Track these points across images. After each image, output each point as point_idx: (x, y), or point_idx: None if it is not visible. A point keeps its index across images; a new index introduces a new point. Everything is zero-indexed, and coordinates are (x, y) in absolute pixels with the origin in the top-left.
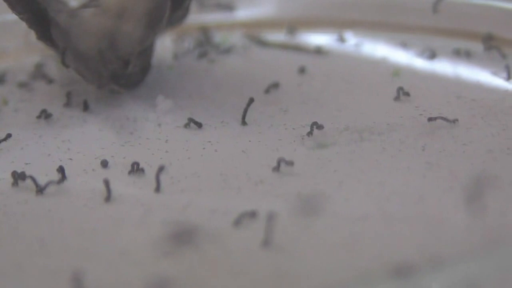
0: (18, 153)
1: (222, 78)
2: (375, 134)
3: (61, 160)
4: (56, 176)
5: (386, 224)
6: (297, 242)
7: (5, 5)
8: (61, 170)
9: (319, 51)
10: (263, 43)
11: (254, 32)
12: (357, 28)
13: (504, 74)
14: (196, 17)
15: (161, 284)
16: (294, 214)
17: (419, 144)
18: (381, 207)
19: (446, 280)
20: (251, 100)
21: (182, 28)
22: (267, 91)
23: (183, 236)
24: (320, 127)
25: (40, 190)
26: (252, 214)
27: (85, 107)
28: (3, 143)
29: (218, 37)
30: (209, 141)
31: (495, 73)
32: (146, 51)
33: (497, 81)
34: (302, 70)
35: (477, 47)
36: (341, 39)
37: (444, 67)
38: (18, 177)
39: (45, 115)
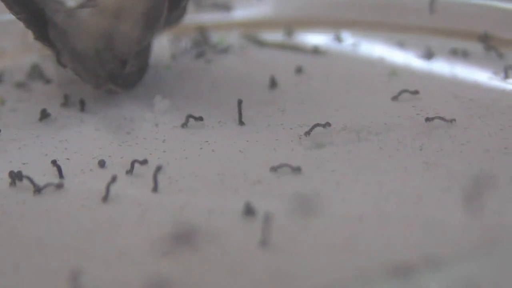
0: (15, 153)
1: (219, 78)
2: (372, 134)
3: (58, 160)
4: (54, 176)
5: (383, 224)
6: (294, 242)
7: (2, 5)
8: (58, 170)
9: (316, 51)
10: (260, 43)
11: (251, 32)
12: (354, 28)
13: (501, 74)
14: (193, 17)
15: (159, 284)
16: (291, 214)
17: (417, 144)
18: (378, 207)
19: (444, 280)
20: (240, 102)
21: (179, 28)
22: (270, 86)
23: (181, 236)
24: (327, 125)
25: (38, 190)
26: None
27: (83, 107)
28: (2, 143)
29: (215, 37)
30: (207, 141)
31: (492, 73)
32: (144, 51)
33: (495, 81)
34: (299, 70)
35: (474, 47)
36: (338, 39)
37: (441, 67)
38: (15, 176)
39: (44, 115)
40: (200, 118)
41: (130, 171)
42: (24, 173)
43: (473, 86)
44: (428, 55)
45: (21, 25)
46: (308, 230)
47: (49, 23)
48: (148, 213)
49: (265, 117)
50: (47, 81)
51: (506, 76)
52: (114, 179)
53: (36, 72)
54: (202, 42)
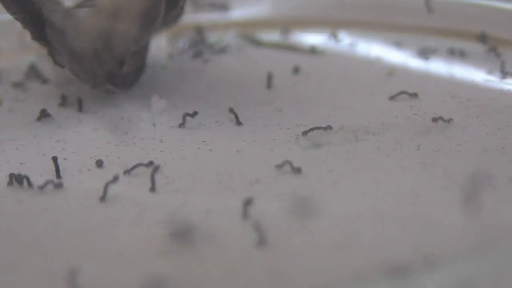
0: (13, 153)
1: (216, 78)
2: (370, 133)
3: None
4: (52, 176)
5: (381, 224)
6: (292, 242)
7: None
8: (56, 169)
9: (313, 51)
10: (257, 43)
11: (248, 32)
12: (351, 28)
13: (499, 74)
14: (190, 17)
15: (157, 284)
16: (289, 214)
17: (414, 144)
18: (376, 206)
19: (441, 279)
20: (231, 109)
21: (176, 28)
22: (268, 86)
23: (178, 236)
24: (328, 128)
25: (40, 187)
26: None
27: (80, 107)
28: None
29: (212, 37)
30: (204, 141)
31: (489, 73)
32: (141, 51)
33: (492, 81)
34: (296, 70)
35: (472, 46)
36: (336, 39)
37: (438, 66)
38: (16, 179)
39: (44, 115)
40: (195, 113)
41: (128, 171)
42: (22, 173)
43: (471, 86)
44: (426, 55)
45: (18, 25)
46: (306, 229)
47: (46, 23)
48: (145, 213)
49: (263, 117)
50: (45, 81)
51: (504, 76)
52: (115, 179)
53: (33, 72)
54: (199, 42)
